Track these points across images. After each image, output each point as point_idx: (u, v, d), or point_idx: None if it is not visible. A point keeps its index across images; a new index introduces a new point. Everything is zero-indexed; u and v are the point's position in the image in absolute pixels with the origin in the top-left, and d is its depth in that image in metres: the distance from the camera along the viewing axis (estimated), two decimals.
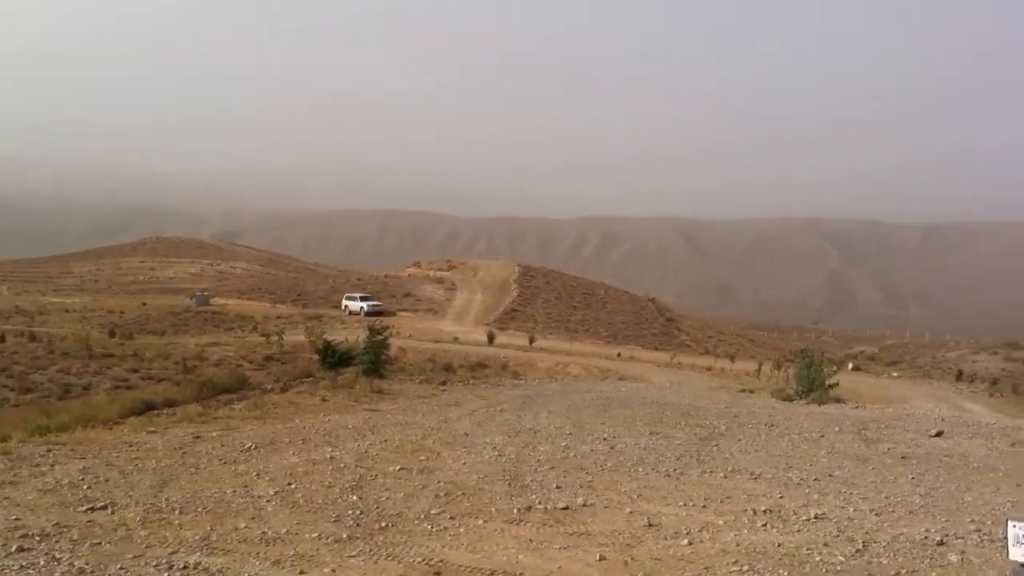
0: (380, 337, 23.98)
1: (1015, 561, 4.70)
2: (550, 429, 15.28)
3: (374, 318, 64.88)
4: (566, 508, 9.35)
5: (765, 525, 8.79)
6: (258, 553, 7.49)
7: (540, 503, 9.55)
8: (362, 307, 70.41)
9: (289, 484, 10.15)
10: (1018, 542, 4.82)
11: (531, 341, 55.08)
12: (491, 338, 52.11)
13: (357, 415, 16.57)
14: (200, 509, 8.95)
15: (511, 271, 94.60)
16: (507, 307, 76.39)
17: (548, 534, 8.30)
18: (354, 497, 9.60)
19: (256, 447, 12.53)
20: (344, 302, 74.25)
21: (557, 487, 10.40)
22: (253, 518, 8.66)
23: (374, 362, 22.91)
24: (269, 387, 21.01)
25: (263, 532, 8.12)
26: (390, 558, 7.44)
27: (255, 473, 10.74)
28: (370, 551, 7.61)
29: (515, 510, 9.22)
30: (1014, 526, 4.85)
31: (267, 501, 9.35)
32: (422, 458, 12.10)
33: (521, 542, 8.00)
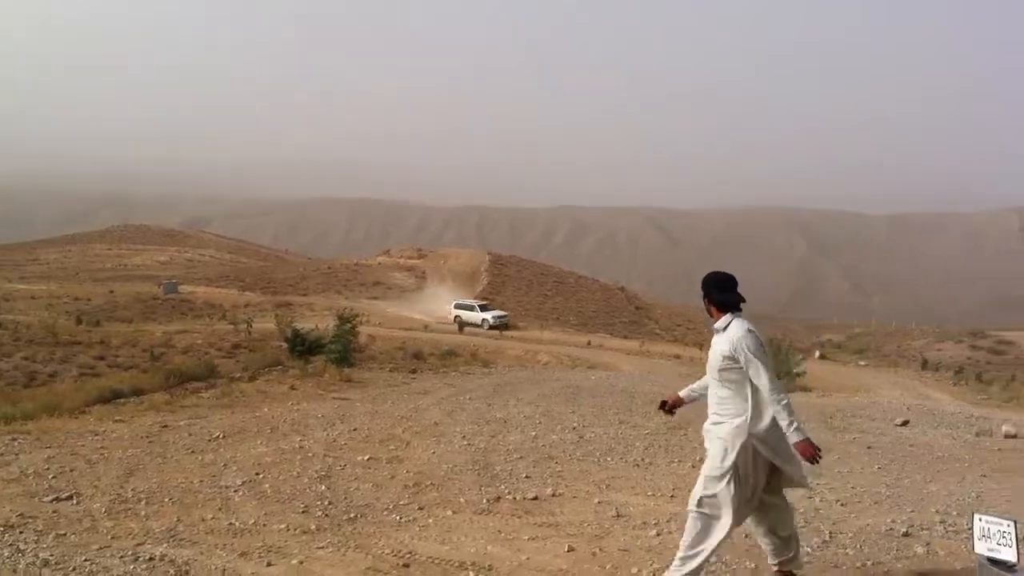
0: (349, 325, 23.96)
1: (980, 555, 4.75)
2: (520, 418, 15.27)
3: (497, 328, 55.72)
4: (535, 498, 9.36)
5: None
6: (225, 544, 7.45)
7: (509, 493, 9.55)
8: (485, 319, 56.32)
9: (257, 474, 10.11)
10: (984, 536, 4.87)
11: (501, 329, 55.15)
12: (461, 326, 52.14)
13: (326, 404, 16.50)
14: (167, 500, 8.89)
15: (481, 259, 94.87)
16: (477, 295, 76.41)
17: (517, 525, 8.30)
18: (323, 487, 9.57)
19: (224, 436, 12.46)
20: (453, 311, 59.11)
21: (527, 477, 10.41)
22: (220, 508, 8.61)
23: (343, 350, 22.85)
24: (237, 375, 20.87)
25: (230, 523, 8.08)
26: (358, 549, 7.42)
27: (223, 463, 10.69)
28: (338, 542, 7.59)
29: (484, 500, 9.22)
30: (980, 519, 4.91)
31: (234, 491, 9.30)
32: (391, 447, 12.08)
33: (490, 533, 8.00)
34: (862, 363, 56.55)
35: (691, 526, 5.95)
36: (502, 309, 63.70)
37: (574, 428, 14.24)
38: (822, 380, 30.55)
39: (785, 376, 25.92)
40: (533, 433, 13.57)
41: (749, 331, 5.95)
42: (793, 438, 5.88)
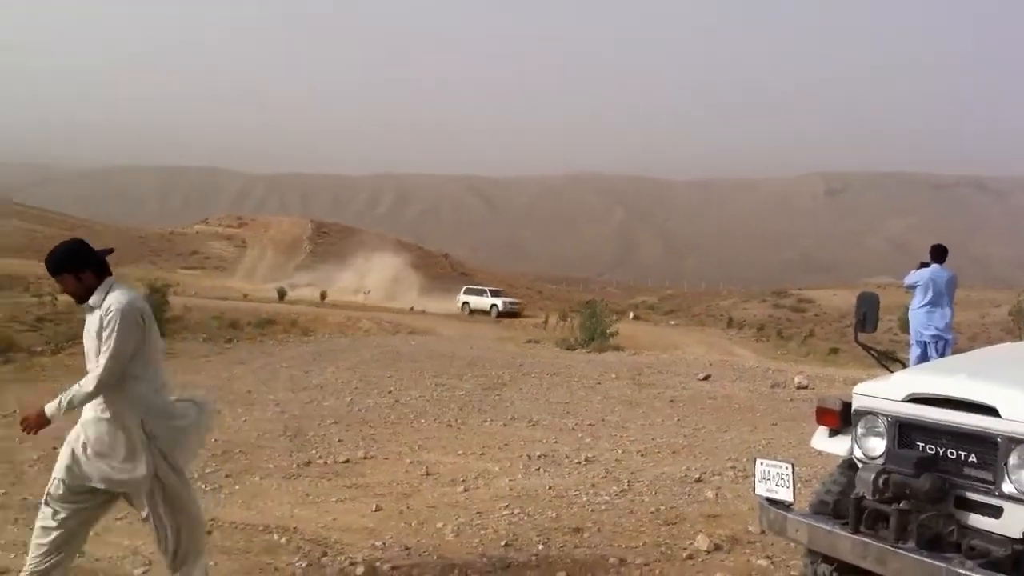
0: (160, 296, 23.28)
1: (760, 495, 5.03)
2: (336, 384, 15.23)
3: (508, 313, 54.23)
4: (346, 461, 9.38)
5: (539, 470, 9.13)
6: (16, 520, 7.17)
7: (320, 458, 9.54)
8: (495, 305, 54.54)
9: (54, 448, 9.68)
10: (764, 478, 5.14)
11: (323, 297, 54.63)
12: (282, 295, 51.27)
13: None
14: None
15: (304, 228, 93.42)
16: (299, 264, 75.41)
17: (326, 487, 8.32)
18: None
19: (21, 411, 11.86)
20: (462, 297, 57.99)
21: (339, 441, 10.42)
22: (13, 484, 8.28)
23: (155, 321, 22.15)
24: (39, 349, 19.91)
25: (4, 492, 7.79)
26: None
27: (17, 438, 10.21)
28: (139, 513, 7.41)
29: (294, 465, 9.18)
30: (761, 463, 5.18)
31: (29, 466, 8.95)
32: None
33: (298, 496, 7.99)
34: (672, 323, 58.78)
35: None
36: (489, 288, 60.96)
37: (390, 392, 14.32)
38: (634, 340, 31.62)
39: (599, 337, 26.71)
40: (349, 398, 13.56)
41: (132, 301, 4.79)
42: (50, 408, 4.70)
